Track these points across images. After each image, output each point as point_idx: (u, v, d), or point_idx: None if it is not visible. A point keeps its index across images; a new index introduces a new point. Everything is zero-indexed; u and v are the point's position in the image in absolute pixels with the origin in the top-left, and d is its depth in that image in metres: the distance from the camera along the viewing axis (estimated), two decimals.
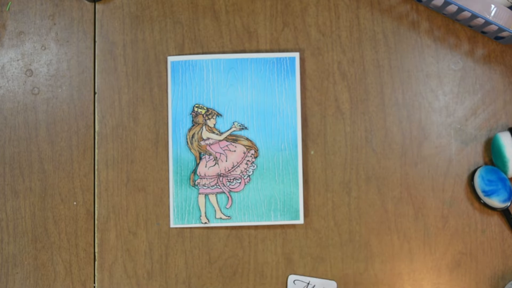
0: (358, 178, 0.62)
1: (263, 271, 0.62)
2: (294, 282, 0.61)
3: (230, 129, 0.62)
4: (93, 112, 0.64)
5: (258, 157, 0.62)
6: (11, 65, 0.65)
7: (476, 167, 0.62)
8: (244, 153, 0.62)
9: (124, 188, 0.63)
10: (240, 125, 0.62)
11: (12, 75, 0.65)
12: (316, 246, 0.62)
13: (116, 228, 0.63)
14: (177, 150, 0.62)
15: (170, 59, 0.63)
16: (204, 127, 0.62)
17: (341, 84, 0.64)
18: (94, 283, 0.62)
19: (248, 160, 0.62)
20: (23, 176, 0.64)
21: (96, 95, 0.65)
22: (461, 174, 0.62)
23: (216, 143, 0.62)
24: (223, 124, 0.63)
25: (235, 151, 0.62)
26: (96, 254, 0.63)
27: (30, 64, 0.65)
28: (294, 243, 0.62)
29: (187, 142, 0.62)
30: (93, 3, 0.66)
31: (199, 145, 0.62)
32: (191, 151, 0.62)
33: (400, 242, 0.62)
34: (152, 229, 0.62)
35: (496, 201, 0.60)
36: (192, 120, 0.63)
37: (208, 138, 0.62)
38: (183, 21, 0.65)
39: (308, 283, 0.61)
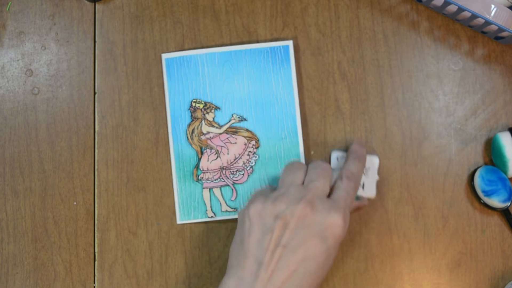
0: None
1: None
2: (337, 158, 0.60)
3: (229, 121, 0.62)
4: (93, 112, 0.64)
5: (259, 148, 0.62)
6: (11, 65, 0.65)
7: (476, 167, 0.62)
8: (245, 144, 0.62)
9: (124, 188, 0.63)
10: (239, 117, 0.62)
11: (12, 75, 0.65)
12: None
13: (116, 228, 0.63)
14: (178, 147, 0.62)
15: (164, 56, 0.63)
16: (203, 121, 0.62)
17: (341, 84, 0.64)
18: (94, 283, 0.62)
19: (249, 151, 0.62)
20: (23, 176, 0.64)
21: (96, 95, 0.65)
22: (461, 174, 0.62)
23: (216, 136, 0.62)
24: (222, 117, 0.62)
25: (236, 143, 0.62)
26: (96, 254, 0.63)
27: (30, 64, 0.65)
28: None
29: (187, 137, 0.62)
30: (93, 3, 0.66)
31: (200, 140, 0.62)
32: (192, 146, 0.62)
33: (400, 242, 0.62)
34: (152, 229, 0.62)
35: (496, 201, 0.60)
36: (191, 116, 0.62)
37: (208, 132, 0.62)
38: (183, 21, 0.65)
39: None
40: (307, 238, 0.50)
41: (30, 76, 0.65)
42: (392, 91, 0.64)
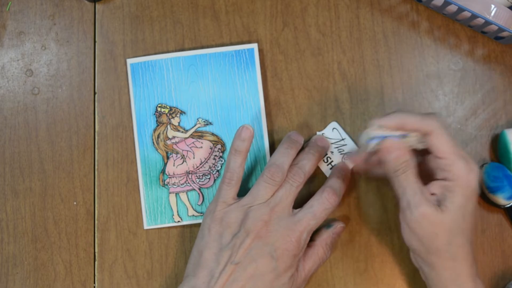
0: (358, 178, 0.62)
1: None
2: (332, 130, 0.61)
3: (194, 126, 0.62)
4: (93, 112, 0.64)
5: (225, 152, 0.62)
6: (11, 65, 0.65)
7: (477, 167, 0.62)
8: (211, 148, 0.62)
9: (124, 188, 0.63)
10: (204, 121, 0.62)
11: (12, 75, 0.65)
12: None
13: (116, 228, 0.63)
14: (144, 152, 0.62)
15: (129, 61, 0.63)
16: (168, 126, 0.62)
17: (341, 84, 0.64)
18: (94, 283, 0.62)
19: (215, 155, 0.62)
20: (23, 176, 0.64)
21: (96, 95, 0.65)
22: None
23: (182, 141, 0.62)
24: (187, 122, 0.62)
25: (201, 147, 0.62)
26: (96, 254, 0.63)
27: (30, 64, 0.65)
28: None
29: (153, 142, 0.62)
30: (93, 3, 0.66)
31: (166, 145, 0.62)
32: (158, 151, 0.62)
33: (400, 242, 0.62)
34: (152, 229, 0.62)
35: (500, 198, 0.60)
36: (156, 120, 0.62)
37: (174, 137, 0.62)
38: (183, 21, 0.65)
39: (343, 139, 0.61)
40: (258, 256, 0.53)
41: (30, 76, 0.65)
42: (392, 91, 0.64)
